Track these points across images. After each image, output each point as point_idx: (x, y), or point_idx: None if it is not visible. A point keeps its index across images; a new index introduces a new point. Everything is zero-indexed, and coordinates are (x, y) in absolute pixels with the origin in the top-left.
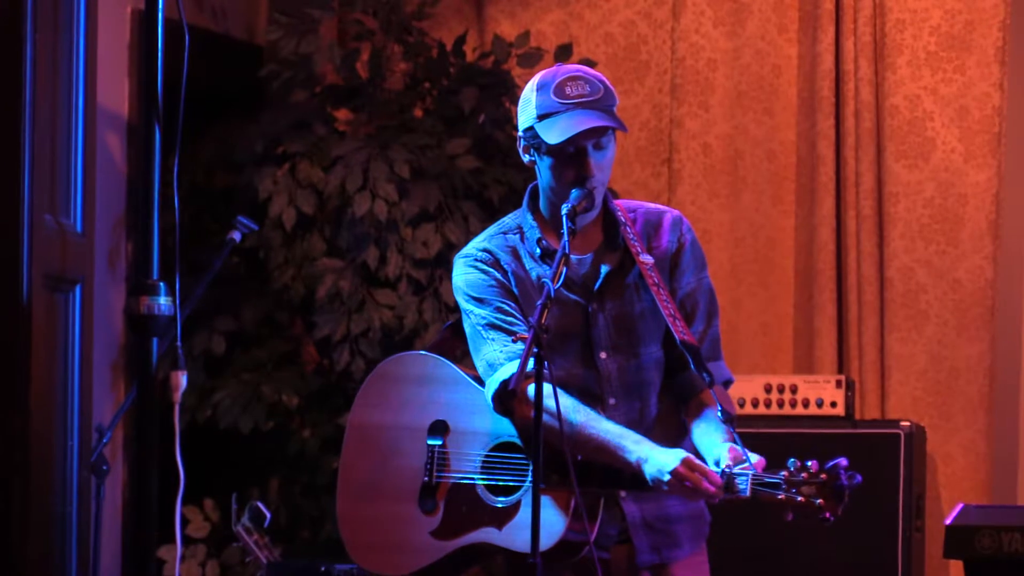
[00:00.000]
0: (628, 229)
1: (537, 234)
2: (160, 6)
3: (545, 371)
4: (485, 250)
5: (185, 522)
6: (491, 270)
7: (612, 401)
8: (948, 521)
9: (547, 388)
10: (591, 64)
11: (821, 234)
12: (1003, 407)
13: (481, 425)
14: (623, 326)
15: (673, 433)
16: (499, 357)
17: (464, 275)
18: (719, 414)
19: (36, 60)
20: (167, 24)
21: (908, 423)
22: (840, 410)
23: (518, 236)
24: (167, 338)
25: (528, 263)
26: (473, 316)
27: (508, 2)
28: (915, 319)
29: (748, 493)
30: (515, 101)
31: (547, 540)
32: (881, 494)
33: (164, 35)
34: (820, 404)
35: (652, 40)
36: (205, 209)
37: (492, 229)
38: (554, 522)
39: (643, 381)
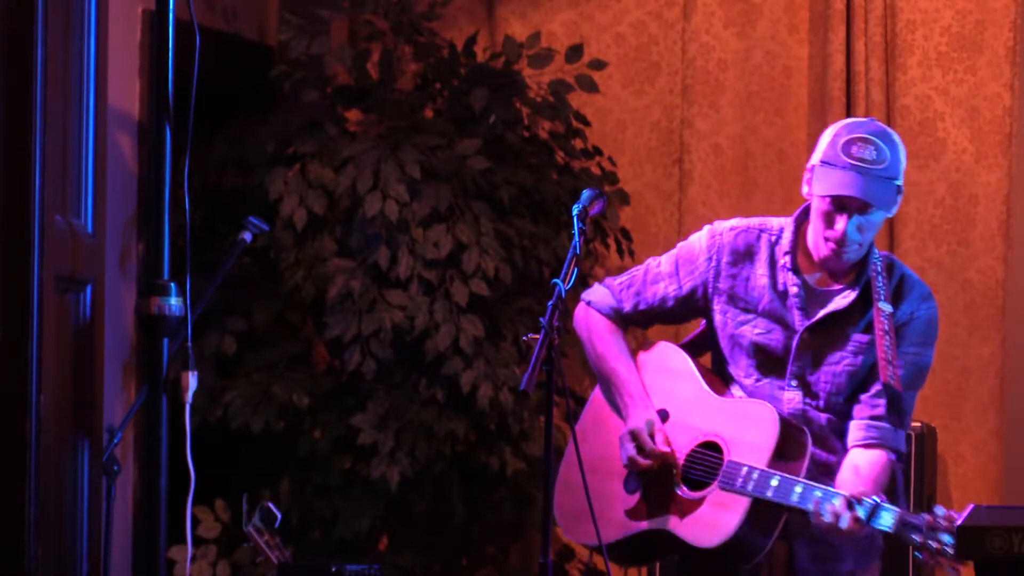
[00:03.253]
0: (880, 280)
1: (788, 248)
2: (171, 7)
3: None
4: (722, 234)
5: (196, 522)
6: (708, 253)
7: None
8: (959, 522)
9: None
10: (601, 65)
11: None
12: (1014, 407)
13: (696, 420)
14: (814, 362)
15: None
16: (602, 285)
17: (696, 235)
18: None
19: (47, 60)
20: (178, 25)
21: (919, 424)
22: None
23: (775, 238)
24: (178, 338)
25: (761, 267)
26: (655, 261)
27: (519, 3)
28: None
29: (893, 529)
30: (526, 102)
31: (717, 538)
32: (892, 494)
33: (175, 35)
34: None
35: (663, 41)
36: (216, 209)
37: (754, 221)
38: (727, 521)
39: (819, 419)
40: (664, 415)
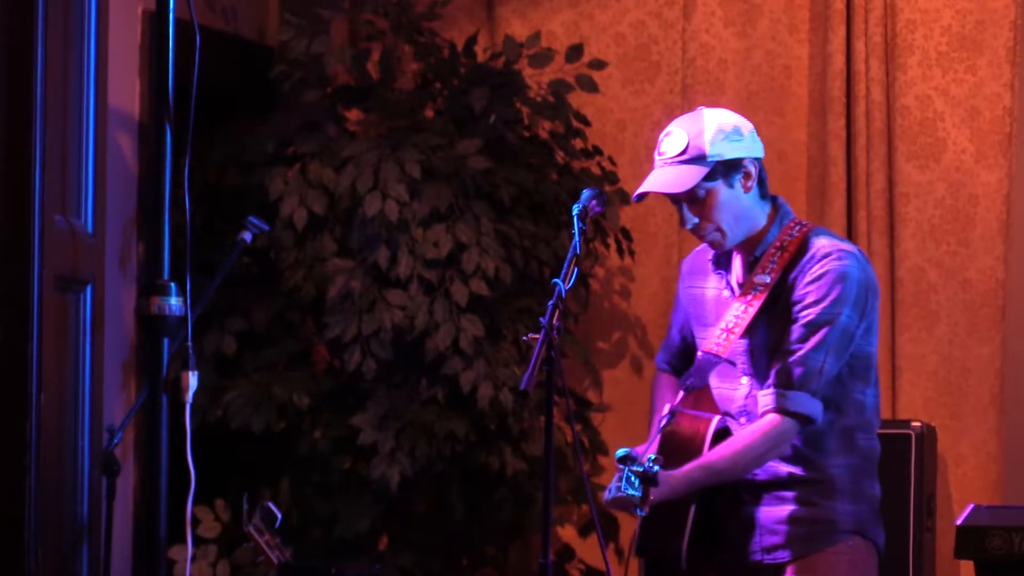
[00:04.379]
0: (778, 254)
1: (712, 254)
2: (171, 7)
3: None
4: (684, 262)
5: (196, 522)
6: (680, 283)
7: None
8: (959, 522)
9: None
10: (601, 65)
11: None
12: (1014, 407)
13: None
14: (753, 352)
15: None
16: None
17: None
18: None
19: (47, 61)
20: (178, 25)
21: (919, 423)
22: None
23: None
24: (178, 338)
25: (708, 280)
26: None
27: (519, 3)
28: (926, 319)
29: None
30: (526, 101)
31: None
32: (892, 494)
33: (175, 36)
34: None
35: (663, 40)
36: (216, 209)
37: (701, 244)
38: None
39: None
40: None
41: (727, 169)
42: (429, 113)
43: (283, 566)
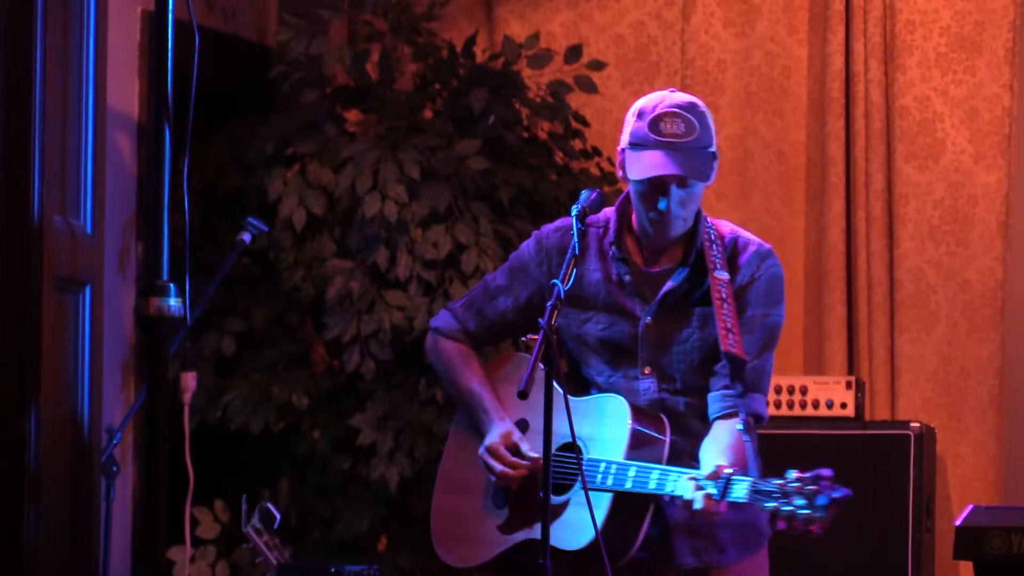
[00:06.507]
0: (714, 248)
1: (612, 237)
2: (170, 7)
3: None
4: (549, 236)
5: (195, 523)
6: (537, 258)
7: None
8: (958, 522)
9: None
10: (600, 66)
11: (831, 235)
12: (1013, 408)
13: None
14: (663, 345)
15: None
16: (445, 309)
17: (525, 242)
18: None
19: (46, 61)
20: (177, 25)
21: (918, 424)
22: (850, 411)
23: (602, 230)
24: (177, 339)
25: (592, 262)
26: (491, 276)
27: (518, 3)
28: (925, 320)
29: (747, 499)
30: (525, 102)
31: (584, 538)
32: (891, 495)
33: (174, 36)
34: (830, 405)
35: (662, 41)
36: (215, 210)
37: (560, 223)
38: (590, 519)
39: (677, 405)
40: (524, 425)
41: (713, 161)
42: (428, 114)
43: (282, 567)
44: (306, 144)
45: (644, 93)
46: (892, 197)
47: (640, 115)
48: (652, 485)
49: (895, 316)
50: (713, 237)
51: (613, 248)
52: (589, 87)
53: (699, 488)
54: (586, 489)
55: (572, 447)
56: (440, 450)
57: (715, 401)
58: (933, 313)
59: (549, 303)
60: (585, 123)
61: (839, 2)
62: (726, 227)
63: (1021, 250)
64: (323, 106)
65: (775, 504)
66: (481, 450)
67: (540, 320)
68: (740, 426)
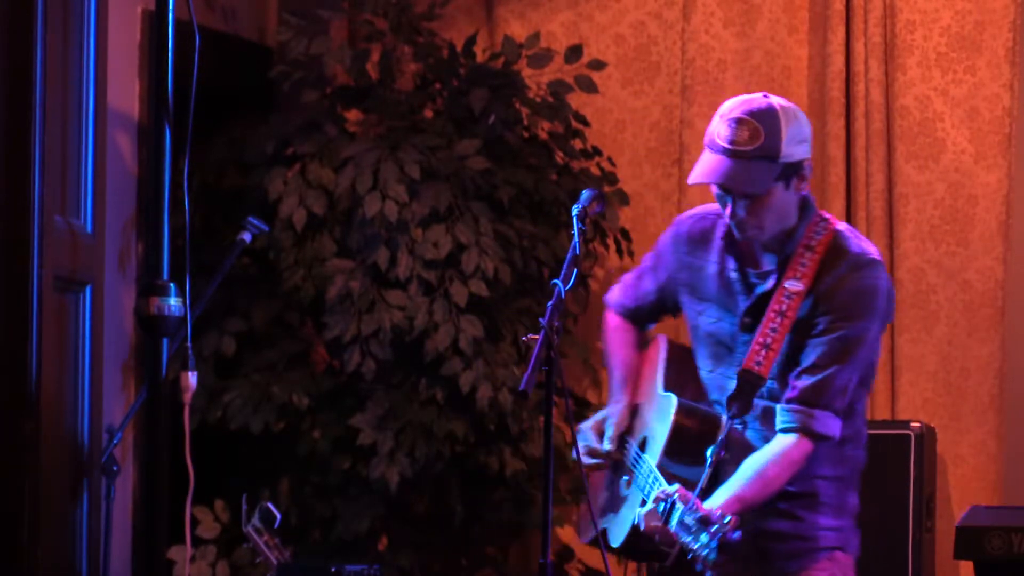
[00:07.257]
0: (807, 256)
1: (723, 231)
2: (170, 7)
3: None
4: (682, 223)
5: (195, 523)
6: (672, 245)
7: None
8: (958, 522)
9: None
10: (600, 66)
11: None
12: (1013, 408)
13: (648, 415)
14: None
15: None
16: (618, 283)
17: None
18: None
19: (46, 61)
20: (177, 25)
21: (918, 424)
22: None
23: (721, 219)
24: (177, 339)
25: (713, 254)
26: (648, 255)
27: (518, 3)
28: (925, 320)
29: (674, 529)
30: (525, 102)
31: (621, 535)
32: (891, 495)
33: (174, 36)
34: None
35: (662, 41)
36: (215, 210)
37: (715, 206)
38: (631, 517)
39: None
40: (635, 410)
41: (790, 170)
42: (428, 114)
43: (282, 566)
44: (306, 144)
45: (644, 93)
46: (892, 197)
47: (720, 116)
48: (646, 492)
49: (896, 316)
50: (814, 244)
51: (723, 243)
52: (589, 87)
53: (643, 504)
54: (586, 489)
55: (575, 447)
56: (440, 450)
57: (780, 413)
58: (933, 313)
59: (549, 304)
60: (585, 123)
61: (839, 2)
62: (840, 234)
63: (1021, 250)
64: (323, 106)
65: (688, 539)
66: (580, 425)
67: (540, 320)
68: (807, 439)
